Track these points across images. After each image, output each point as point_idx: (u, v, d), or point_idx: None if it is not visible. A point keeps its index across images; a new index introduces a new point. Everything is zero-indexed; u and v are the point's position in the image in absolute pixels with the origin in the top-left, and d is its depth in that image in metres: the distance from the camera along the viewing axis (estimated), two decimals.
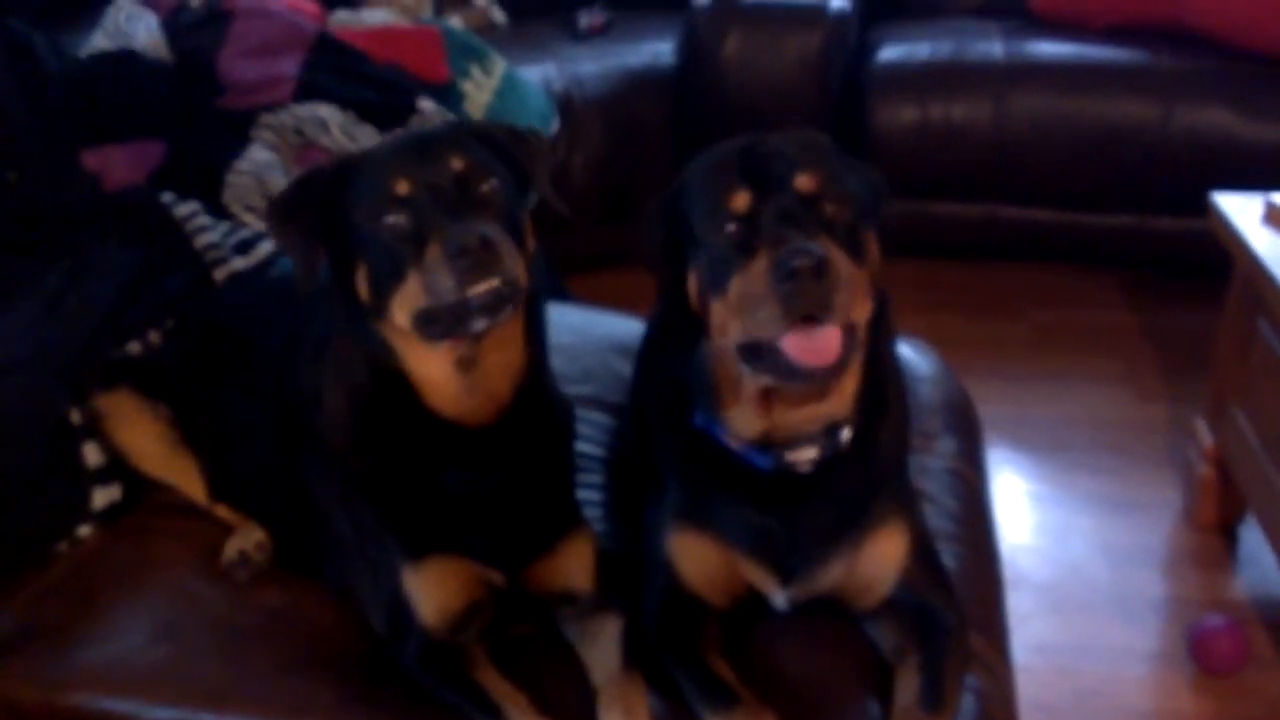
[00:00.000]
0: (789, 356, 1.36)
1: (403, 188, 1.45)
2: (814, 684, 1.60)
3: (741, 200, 1.42)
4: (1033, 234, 4.00)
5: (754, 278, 1.37)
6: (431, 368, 1.51)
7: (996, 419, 2.99)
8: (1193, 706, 2.44)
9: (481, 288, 1.39)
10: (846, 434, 1.53)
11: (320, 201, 1.51)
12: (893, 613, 1.63)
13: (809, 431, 1.50)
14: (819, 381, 1.42)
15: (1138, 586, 2.76)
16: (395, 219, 1.44)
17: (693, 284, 1.48)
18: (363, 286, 1.48)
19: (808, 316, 1.34)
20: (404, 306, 1.44)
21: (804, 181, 1.42)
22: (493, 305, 1.40)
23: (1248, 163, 3.58)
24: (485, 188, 1.48)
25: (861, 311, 1.42)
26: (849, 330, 1.39)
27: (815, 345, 1.36)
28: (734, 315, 1.40)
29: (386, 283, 1.45)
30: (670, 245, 1.51)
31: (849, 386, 1.50)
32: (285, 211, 1.56)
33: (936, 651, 1.58)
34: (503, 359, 1.54)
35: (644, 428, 1.74)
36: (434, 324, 1.43)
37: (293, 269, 1.54)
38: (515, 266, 1.42)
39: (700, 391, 1.55)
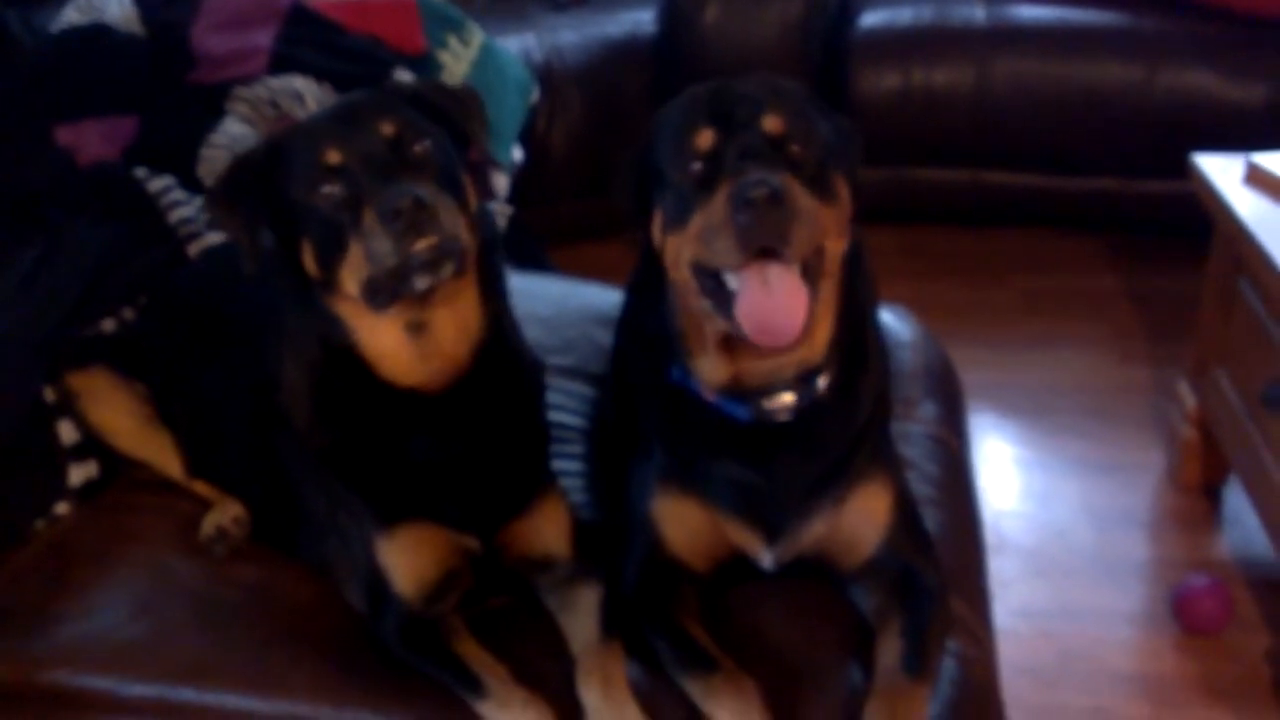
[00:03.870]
0: (747, 333, 1.38)
1: (334, 157, 1.44)
2: (794, 650, 1.60)
3: (706, 139, 1.42)
4: (1016, 199, 3.99)
5: (713, 210, 1.37)
6: (381, 336, 1.50)
7: (980, 384, 2.99)
8: (1176, 667, 2.45)
9: (420, 246, 1.38)
10: (824, 381, 1.52)
11: (257, 183, 1.51)
12: (875, 575, 1.63)
13: (782, 377, 1.50)
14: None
15: (1121, 549, 2.77)
16: (330, 189, 1.44)
17: (656, 223, 1.48)
18: (309, 261, 1.48)
19: (765, 250, 1.35)
20: (351, 276, 1.44)
21: (771, 122, 1.42)
22: (433, 262, 1.40)
23: (1230, 124, 3.57)
24: (418, 149, 1.48)
25: (834, 246, 1.43)
26: (813, 269, 1.40)
27: (773, 324, 1.37)
28: (690, 246, 1.41)
29: (331, 254, 1.45)
30: (642, 194, 1.51)
31: (821, 331, 1.50)
32: (224, 198, 1.55)
33: (919, 616, 1.59)
34: (456, 320, 1.53)
35: (625, 389, 1.74)
36: (379, 291, 1.43)
37: (239, 252, 1.53)
38: (454, 224, 1.42)
39: (671, 341, 1.55)
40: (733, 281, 1.39)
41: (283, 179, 1.48)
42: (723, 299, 1.41)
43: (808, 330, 1.41)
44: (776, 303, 1.37)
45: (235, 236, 1.54)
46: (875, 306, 1.67)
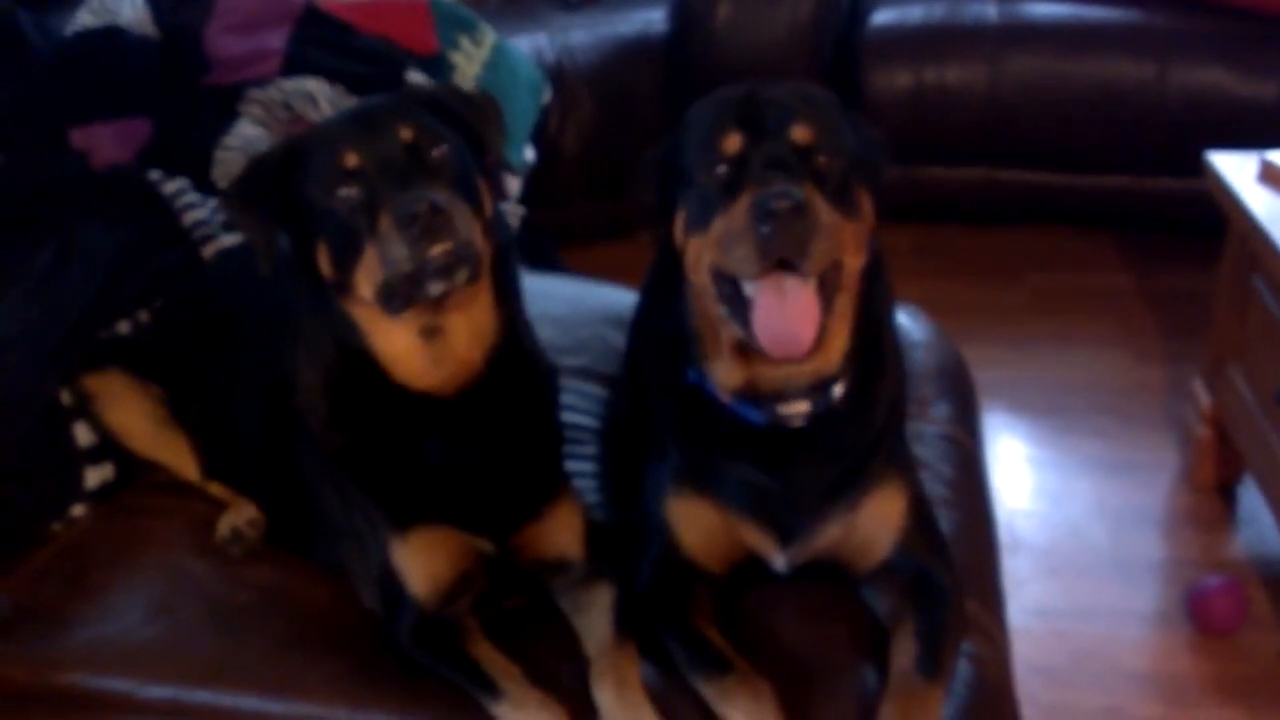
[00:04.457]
0: (760, 344, 1.39)
1: (352, 160, 1.45)
2: (808, 651, 1.60)
3: (734, 143, 1.42)
4: (1029, 196, 3.98)
5: (735, 216, 1.37)
6: (396, 340, 1.51)
7: (994, 383, 2.99)
8: (1191, 667, 2.45)
9: (435, 251, 1.39)
10: (839, 390, 1.52)
11: (274, 183, 1.51)
12: (890, 577, 1.63)
13: (796, 385, 1.50)
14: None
15: (1136, 548, 2.76)
16: (347, 192, 1.45)
17: (679, 223, 1.48)
18: (325, 263, 1.49)
19: (783, 262, 1.35)
20: (366, 280, 1.44)
21: (799, 132, 1.42)
22: (447, 268, 1.41)
23: (1243, 121, 3.56)
24: (435, 154, 1.48)
25: (852, 261, 1.43)
26: (830, 282, 1.39)
27: (787, 333, 1.37)
28: (710, 250, 1.41)
29: (346, 257, 1.45)
30: (665, 193, 1.51)
31: (836, 344, 1.50)
32: (241, 198, 1.55)
33: (933, 617, 1.58)
34: (470, 325, 1.53)
35: (639, 389, 1.74)
36: (394, 295, 1.43)
37: (254, 253, 1.54)
38: (469, 230, 1.42)
39: (687, 342, 1.55)
40: (749, 289, 1.39)
41: (300, 181, 1.49)
42: (739, 306, 1.41)
43: (822, 344, 1.42)
44: (790, 314, 1.37)
45: (251, 237, 1.55)
46: (892, 315, 1.67)
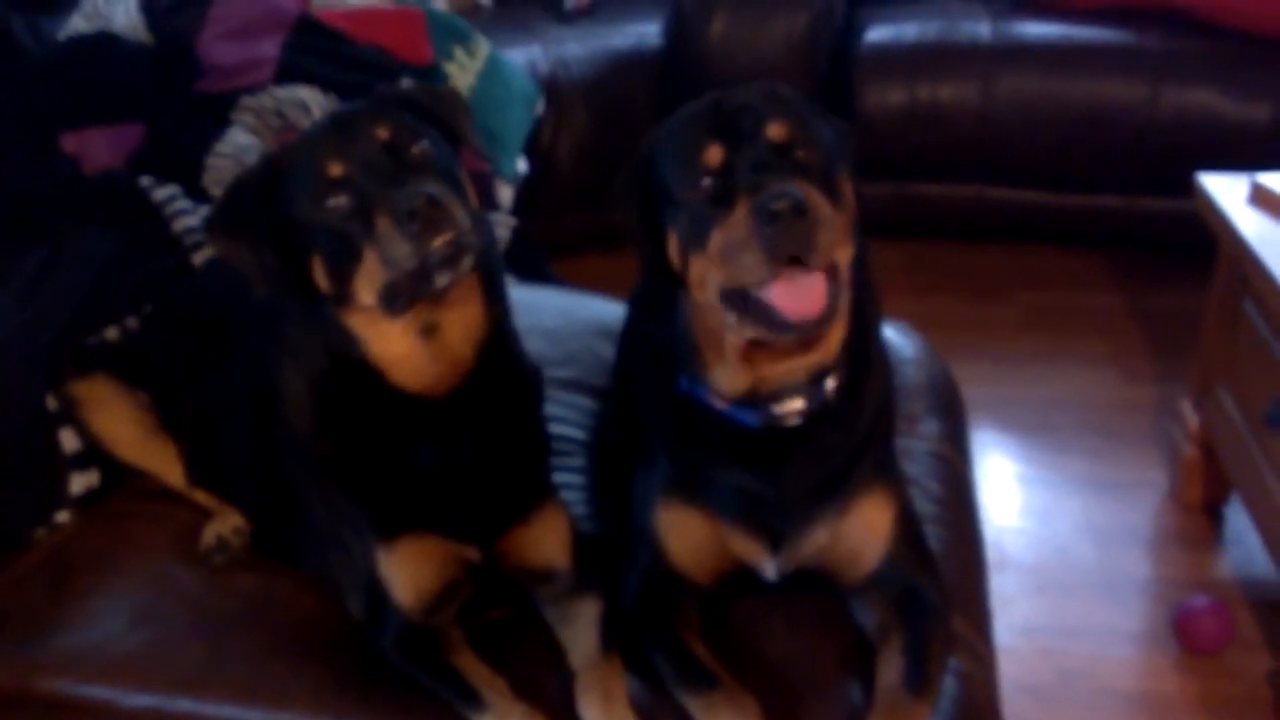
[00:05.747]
0: (777, 311, 1.37)
1: (337, 169, 1.44)
2: (795, 666, 1.60)
3: (715, 154, 1.42)
4: (1020, 215, 3.99)
5: (735, 226, 1.36)
6: (394, 342, 1.50)
7: (983, 401, 2.99)
8: (1177, 687, 2.44)
9: (437, 243, 1.38)
10: (831, 383, 1.52)
11: (258, 206, 1.49)
12: (878, 591, 1.63)
13: (795, 381, 1.49)
14: (809, 333, 1.41)
15: (1123, 567, 2.76)
16: (336, 201, 1.43)
17: (672, 245, 1.47)
18: (321, 276, 1.47)
19: (792, 259, 1.34)
20: (368, 285, 1.43)
21: (775, 130, 1.42)
22: (452, 258, 1.40)
23: (1234, 143, 3.57)
24: (416, 150, 1.48)
25: (844, 253, 1.43)
26: (832, 274, 1.39)
27: (801, 297, 1.36)
28: (716, 266, 1.40)
29: (344, 266, 1.44)
30: (646, 211, 1.51)
31: (835, 334, 1.50)
32: (226, 225, 1.53)
33: (920, 633, 1.58)
34: (463, 318, 1.53)
35: (628, 401, 1.74)
36: (398, 295, 1.42)
37: (247, 278, 1.51)
38: (466, 219, 1.42)
39: (684, 354, 1.55)
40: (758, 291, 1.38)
41: (284, 199, 1.48)
42: (750, 306, 1.39)
43: (826, 330, 1.41)
44: (801, 285, 1.36)
45: (240, 265, 1.51)
46: (878, 310, 1.67)
